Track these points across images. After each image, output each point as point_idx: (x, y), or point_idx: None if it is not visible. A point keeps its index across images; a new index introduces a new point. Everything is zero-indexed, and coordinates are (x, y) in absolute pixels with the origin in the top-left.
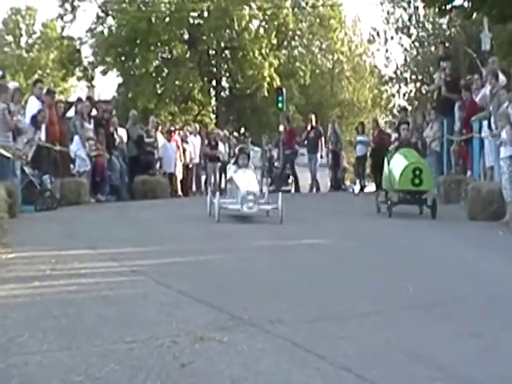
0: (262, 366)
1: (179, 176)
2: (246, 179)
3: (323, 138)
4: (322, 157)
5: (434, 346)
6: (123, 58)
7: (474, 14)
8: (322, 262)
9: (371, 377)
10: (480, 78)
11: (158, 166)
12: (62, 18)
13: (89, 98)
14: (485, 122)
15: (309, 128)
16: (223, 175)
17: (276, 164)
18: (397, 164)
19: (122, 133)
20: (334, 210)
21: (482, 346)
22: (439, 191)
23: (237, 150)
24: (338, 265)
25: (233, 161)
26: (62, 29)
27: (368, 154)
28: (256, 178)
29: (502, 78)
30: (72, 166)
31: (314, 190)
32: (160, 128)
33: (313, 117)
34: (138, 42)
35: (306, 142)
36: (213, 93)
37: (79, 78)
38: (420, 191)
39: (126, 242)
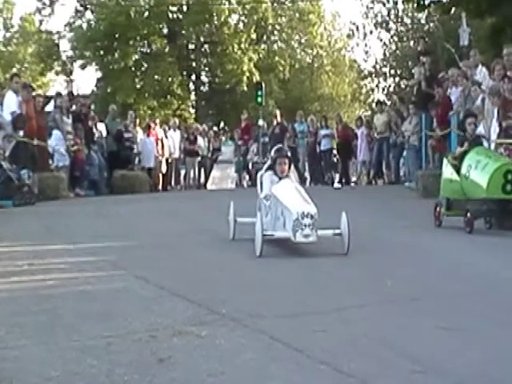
0: (240, 360)
1: (162, 170)
2: (296, 195)
3: (288, 134)
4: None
5: (414, 340)
6: (102, 53)
7: (453, 9)
8: (304, 259)
9: (349, 370)
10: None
11: (137, 160)
12: (40, 12)
13: (69, 93)
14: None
15: (274, 123)
16: (202, 170)
17: (256, 159)
18: (479, 167)
19: (101, 127)
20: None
21: (462, 339)
22: (418, 185)
23: (272, 153)
24: (319, 260)
25: (266, 166)
26: (41, 23)
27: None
28: (304, 193)
29: (484, 70)
30: (50, 160)
31: None
32: (139, 122)
33: (278, 112)
34: (116, 36)
35: (271, 137)
36: (192, 87)
37: (58, 73)
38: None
39: (105, 236)
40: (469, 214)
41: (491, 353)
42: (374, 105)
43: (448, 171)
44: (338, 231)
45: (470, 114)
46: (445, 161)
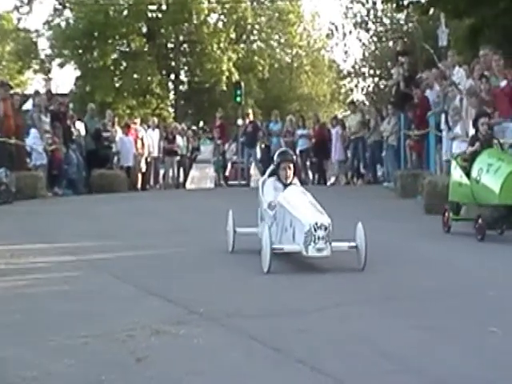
0: (218, 359)
1: (141, 169)
2: (307, 204)
3: (261, 133)
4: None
5: (391, 339)
6: (81, 51)
7: (431, 10)
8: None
9: (327, 369)
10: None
11: (115, 159)
12: (18, 10)
13: (48, 92)
14: (443, 117)
15: (247, 122)
16: (181, 169)
17: (235, 158)
18: (491, 170)
19: (79, 126)
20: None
21: (439, 338)
22: (396, 185)
23: (276, 157)
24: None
25: (269, 171)
26: (19, 21)
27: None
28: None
29: (461, 71)
30: (28, 159)
31: (256, 182)
32: (117, 121)
33: (250, 111)
34: (95, 35)
35: (243, 136)
36: (171, 86)
37: (36, 71)
38: None
39: (83, 236)
40: (480, 221)
41: (467, 350)
42: (352, 104)
43: (457, 174)
44: (353, 244)
45: (484, 113)
46: (453, 163)
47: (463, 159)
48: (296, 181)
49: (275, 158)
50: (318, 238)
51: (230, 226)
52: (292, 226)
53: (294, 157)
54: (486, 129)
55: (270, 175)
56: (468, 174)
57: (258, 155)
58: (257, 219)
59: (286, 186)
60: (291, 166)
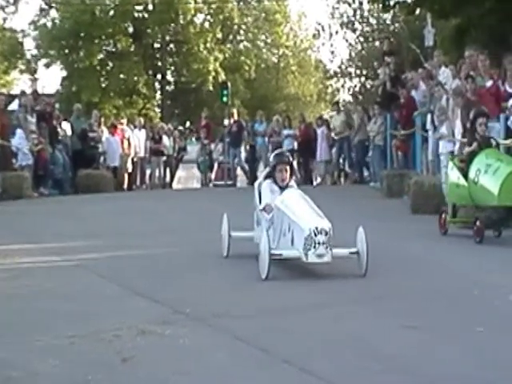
0: (204, 359)
1: (128, 170)
2: (306, 208)
3: (246, 132)
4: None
5: (380, 339)
6: (67, 51)
7: (418, 10)
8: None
9: (314, 369)
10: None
11: (102, 159)
12: (3, 10)
13: (34, 92)
14: (429, 117)
15: (231, 122)
16: (168, 169)
17: (221, 158)
18: (489, 171)
19: (65, 126)
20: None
21: (427, 338)
22: (382, 185)
23: (271, 158)
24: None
25: (264, 173)
26: (4, 21)
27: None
28: (314, 204)
29: (447, 71)
30: (14, 159)
31: (242, 183)
32: (103, 121)
33: (234, 110)
34: (81, 35)
35: (228, 136)
36: (158, 86)
37: (22, 71)
38: None
39: (69, 236)
40: (478, 223)
41: (458, 350)
42: (336, 105)
43: (454, 175)
44: (354, 250)
45: (482, 113)
46: (450, 164)
47: (460, 160)
48: (293, 183)
49: (271, 159)
50: (319, 243)
51: (225, 230)
52: (290, 230)
53: (291, 158)
54: (483, 129)
55: (265, 177)
56: (465, 175)
57: (243, 155)
58: (252, 223)
59: (282, 188)
60: (288, 167)
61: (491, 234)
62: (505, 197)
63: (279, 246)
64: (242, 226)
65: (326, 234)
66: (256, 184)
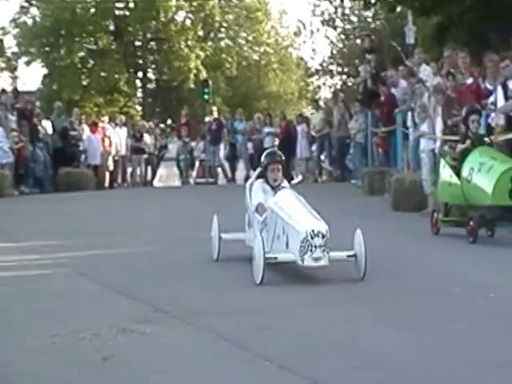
0: (185, 357)
1: (109, 168)
2: (302, 210)
3: (225, 130)
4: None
5: (357, 337)
6: (47, 49)
7: (399, 7)
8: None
9: (293, 367)
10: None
11: (82, 157)
12: None
13: (14, 90)
14: (409, 115)
15: (211, 120)
16: (149, 167)
17: (203, 156)
18: (483, 169)
19: (46, 124)
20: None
21: (404, 336)
22: (363, 183)
23: (263, 158)
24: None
25: (256, 173)
26: None
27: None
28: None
29: (428, 69)
30: None
31: (223, 181)
32: (85, 119)
33: (214, 108)
34: (62, 32)
35: (207, 133)
36: (139, 84)
37: (2, 69)
38: None
39: (50, 234)
40: (472, 223)
41: (431, 348)
42: (315, 102)
43: (446, 173)
44: (351, 253)
45: (474, 110)
46: (442, 162)
47: (453, 158)
48: (285, 183)
49: (262, 159)
50: (315, 246)
51: (215, 232)
52: (285, 233)
53: (283, 157)
54: (476, 126)
55: (257, 177)
56: (458, 174)
57: (222, 153)
58: (243, 224)
59: (274, 188)
60: (280, 167)
61: (484, 233)
62: (499, 196)
63: (273, 249)
64: (226, 224)
65: (323, 236)
66: (247, 184)
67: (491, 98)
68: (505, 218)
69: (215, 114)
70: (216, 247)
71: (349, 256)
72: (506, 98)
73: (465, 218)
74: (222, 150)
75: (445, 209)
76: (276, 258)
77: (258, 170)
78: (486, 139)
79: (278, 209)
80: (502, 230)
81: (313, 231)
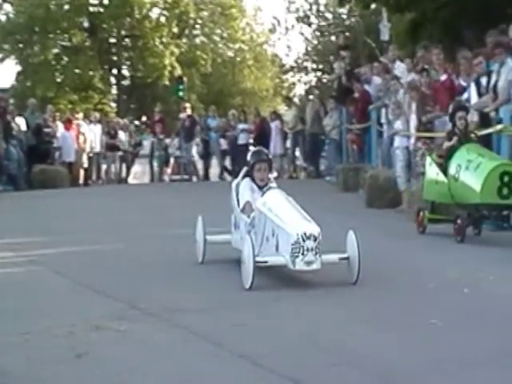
0: (159, 354)
1: (83, 165)
2: (292, 211)
3: (198, 127)
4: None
5: (334, 335)
6: (21, 46)
7: (373, 4)
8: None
9: (267, 363)
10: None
11: (57, 155)
12: None
13: None
14: (383, 112)
15: (184, 116)
16: (124, 164)
17: (177, 153)
18: (470, 167)
19: (20, 122)
20: None
21: (377, 331)
22: (338, 179)
23: (249, 157)
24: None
25: (242, 173)
26: None
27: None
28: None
29: (402, 66)
30: None
31: (195, 178)
32: (59, 116)
33: (188, 105)
34: (36, 29)
35: (181, 130)
36: (113, 81)
37: None
38: (507, 206)
39: (24, 232)
40: (459, 221)
41: (405, 342)
42: (289, 100)
43: (433, 171)
44: (344, 255)
45: (461, 106)
46: (428, 159)
47: (439, 155)
48: (274, 183)
49: (249, 158)
50: (307, 249)
51: (200, 234)
52: (275, 235)
53: (270, 156)
54: (463, 123)
55: (243, 177)
56: (444, 171)
57: (194, 150)
58: (230, 226)
59: (261, 188)
60: (267, 166)
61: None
62: (487, 194)
63: (261, 251)
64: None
65: (315, 239)
66: (233, 184)
67: (465, 95)
68: (493, 217)
69: (188, 111)
70: (201, 250)
71: (341, 259)
72: (480, 94)
73: (451, 216)
74: (195, 147)
75: (431, 207)
76: (266, 262)
77: (245, 169)
78: (473, 135)
79: (267, 210)
80: (489, 229)
81: (304, 234)
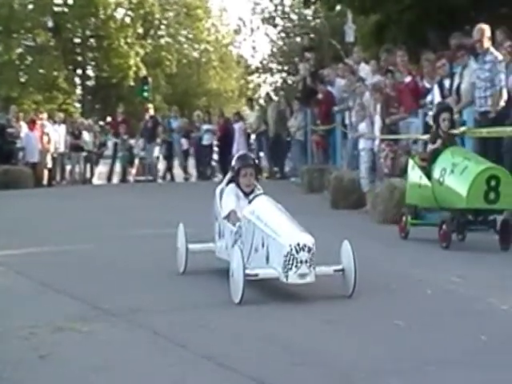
0: (123, 355)
1: (48, 165)
2: (284, 220)
3: (161, 128)
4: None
5: (296, 334)
6: None
7: (338, 6)
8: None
9: (232, 364)
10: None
11: (20, 155)
12: None
13: None
14: (347, 114)
15: (147, 117)
16: (88, 165)
17: (142, 154)
18: (456, 171)
19: None
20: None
21: (340, 332)
22: (303, 180)
23: (234, 162)
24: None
25: (226, 178)
26: None
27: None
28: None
29: (366, 67)
30: None
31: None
32: (23, 117)
33: (150, 106)
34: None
35: (143, 131)
36: (78, 81)
37: None
38: (493, 210)
39: None
40: (444, 226)
41: (367, 343)
42: (251, 101)
43: (416, 175)
44: (339, 267)
45: (445, 108)
46: (411, 162)
47: (422, 158)
48: (260, 189)
49: (233, 162)
50: (301, 261)
51: (182, 243)
52: (265, 245)
53: (256, 160)
54: (447, 125)
55: (228, 183)
56: (428, 175)
57: (156, 151)
58: (213, 234)
59: (247, 195)
60: (253, 171)
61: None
62: (474, 198)
63: (249, 263)
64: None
65: (310, 250)
66: (217, 190)
67: (429, 97)
68: (478, 222)
69: (151, 112)
70: (183, 259)
71: (336, 271)
72: (443, 96)
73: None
74: (157, 148)
75: (414, 212)
76: (257, 275)
77: (229, 174)
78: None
79: (256, 219)
80: (474, 234)
81: (298, 245)
